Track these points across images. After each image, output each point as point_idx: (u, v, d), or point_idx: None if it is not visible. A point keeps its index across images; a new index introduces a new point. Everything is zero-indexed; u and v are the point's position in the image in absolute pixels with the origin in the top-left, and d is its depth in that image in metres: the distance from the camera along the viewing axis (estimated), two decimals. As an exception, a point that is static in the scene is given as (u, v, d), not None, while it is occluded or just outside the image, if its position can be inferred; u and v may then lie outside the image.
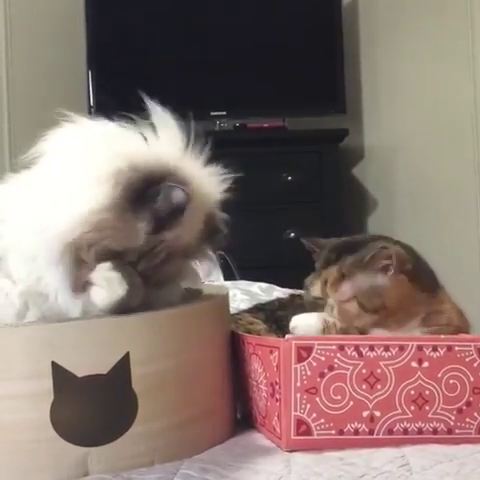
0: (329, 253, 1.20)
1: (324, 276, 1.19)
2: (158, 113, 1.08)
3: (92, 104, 3.28)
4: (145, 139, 1.06)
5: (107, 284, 0.98)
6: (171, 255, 1.03)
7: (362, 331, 1.14)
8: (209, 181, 1.09)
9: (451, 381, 1.04)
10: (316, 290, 1.20)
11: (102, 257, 0.98)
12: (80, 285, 0.99)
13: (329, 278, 1.17)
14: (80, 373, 0.95)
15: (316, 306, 1.19)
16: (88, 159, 1.02)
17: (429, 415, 1.04)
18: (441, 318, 1.17)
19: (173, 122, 1.08)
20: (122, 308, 0.99)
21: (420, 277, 1.17)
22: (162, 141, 1.07)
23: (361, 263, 1.15)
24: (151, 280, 1.03)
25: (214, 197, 1.09)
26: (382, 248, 1.14)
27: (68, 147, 1.05)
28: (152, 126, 1.07)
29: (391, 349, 1.03)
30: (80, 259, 0.98)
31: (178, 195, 1.00)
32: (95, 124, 1.08)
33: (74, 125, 1.07)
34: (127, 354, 0.97)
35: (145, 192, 0.99)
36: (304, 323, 1.15)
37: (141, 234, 1.00)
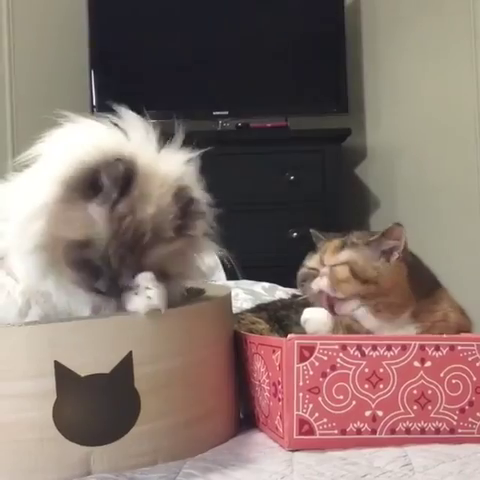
0: (334, 234, 1.24)
1: (324, 247, 1.22)
2: (127, 114, 1.10)
3: (94, 104, 3.28)
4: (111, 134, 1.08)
5: (154, 293, 1.00)
6: (151, 239, 1.02)
7: (368, 331, 1.15)
8: (167, 160, 1.09)
9: (454, 381, 1.04)
10: (313, 260, 1.22)
11: (70, 255, 1.00)
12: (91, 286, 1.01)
13: (328, 247, 1.21)
14: (83, 372, 0.96)
15: (308, 276, 1.21)
16: (49, 160, 1.06)
17: (432, 415, 1.04)
18: (435, 315, 1.18)
19: (141, 121, 1.10)
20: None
21: (416, 275, 1.19)
22: (124, 135, 1.08)
23: (368, 238, 1.18)
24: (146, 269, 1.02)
25: (176, 175, 1.07)
26: (397, 224, 1.15)
27: (52, 148, 1.07)
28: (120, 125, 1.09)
29: (393, 348, 1.03)
30: (53, 258, 1.00)
31: (117, 167, 1.00)
32: (78, 125, 1.10)
33: (67, 127, 1.08)
34: (130, 353, 0.97)
35: (91, 181, 1.00)
36: (316, 318, 1.16)
37: (97, 218, 1.00)
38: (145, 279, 1.01)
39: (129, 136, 1.08)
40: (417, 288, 1.18)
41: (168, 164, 1.08)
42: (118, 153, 1.03)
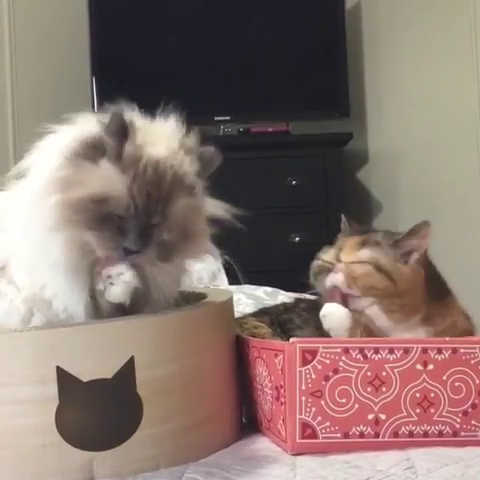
0: (361, 228, 1.25)
1: (340, 243, 1.21)
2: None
3: (96, 110, 3.29)
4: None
5: (129, 277, 0.99)
6: (172, 183, 1.01)
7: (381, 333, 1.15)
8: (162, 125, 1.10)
9: (456, 383, 1.04)
10: (329, 254, 1.21)
11: (90, 213, 0.98)
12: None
13: (346, 244, 1.20)
14: (85, 378, 0.96)
15: (322, 269, 1.20)
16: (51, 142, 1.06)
17: (434, 418, 1.04)
18: (445, 321, 1.18)
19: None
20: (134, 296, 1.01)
21: (430, 278, 1.19)
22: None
23: (393, 238, 1.17)
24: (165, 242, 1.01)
25: (178, 136, 1.08)
26: (425, 222, 1.16)
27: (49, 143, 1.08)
28: None
29: (396, 352, 1.03)
30: (74, 221, 0.98)
31: (114, 121, 1.01)
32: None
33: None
34: (132, 358, 0.97)
35: (94, 143, 1.01)
36: (335, 314, 1.16)
37: (110, 173, 0.99)
38: (117, 269, 1.00)
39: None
40: (430, 292, 1.18)
41: (167, 127, 1.09)
42: (113, 114, 1.03)
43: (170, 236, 1.01)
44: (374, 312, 1.16)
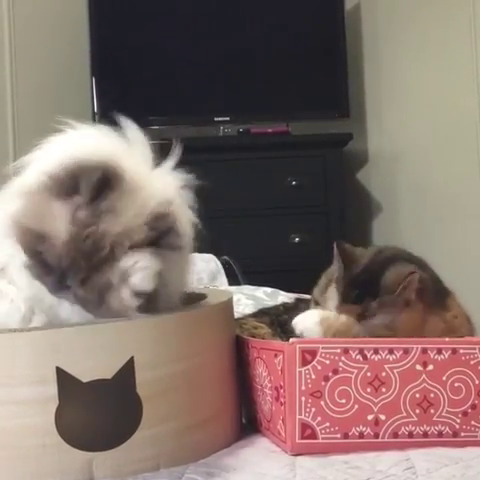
0: (349, 288, 1.16)
1: (343, 312, 1.15)
2: (128, 126, 1.10)
3: (96, 111, 3.29)
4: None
5: (147, 262, 0.98)
6: (108, 254, 0.99)
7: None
8: (155, 179, 1.07)
9: (456, 384, 1.04)
10: (329, 306, 1.17)
11: (28, 244, 1.00)
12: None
13: (343, 315, 1.15)
14: (85, 378, 0.95)
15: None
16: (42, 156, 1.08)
17: (434, 418, 1.04)
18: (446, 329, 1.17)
19: (140, 136, 1.10)
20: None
21: (431, 294, 1.16)
22: (120, 146, 1.08)
23: (388, 301, 1.12)
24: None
25: (161, 195, 1.04)
26: (411, 273, 1.12)
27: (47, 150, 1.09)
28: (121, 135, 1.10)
29: (395, 352, 1.03)
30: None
31: (95, 175, 0.99)
32: (76, 131, 1.11)
33: (64, 133, 1.09)
34: (131, 359, 0.97)
35: (69, 182, 1.00)
36: (305, 323, 1.14)
37: (61, 217, 0.99)
38: (129, 258, 0.99)
39: (124, 149, 1.07)
40: (431, 302, 1.16)
41: (157, 185, 1.05)
42: (105, 162, 1.01)
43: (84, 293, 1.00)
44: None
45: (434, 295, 1.17)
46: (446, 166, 3.24)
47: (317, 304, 1.21)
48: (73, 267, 0.99)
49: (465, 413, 1.04)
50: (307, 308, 1.27)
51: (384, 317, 1.13)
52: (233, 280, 2.47)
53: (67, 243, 0.99)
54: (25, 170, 1.09)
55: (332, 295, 1.18)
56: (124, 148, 1.08)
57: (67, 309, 1.02)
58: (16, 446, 0.96)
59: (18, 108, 3.38)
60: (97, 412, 0.97)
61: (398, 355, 1.03)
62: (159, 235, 1.01)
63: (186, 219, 1.08)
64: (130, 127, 1.10)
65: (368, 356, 1.03)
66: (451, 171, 3.21)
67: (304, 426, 1.02)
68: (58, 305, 1.03)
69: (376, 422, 1.03)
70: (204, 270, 2.40)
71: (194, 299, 1.16)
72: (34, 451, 0.95)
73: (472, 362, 1.05)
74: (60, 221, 0.99)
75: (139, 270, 0.99)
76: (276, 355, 1.05)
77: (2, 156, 3.23)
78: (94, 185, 0.99)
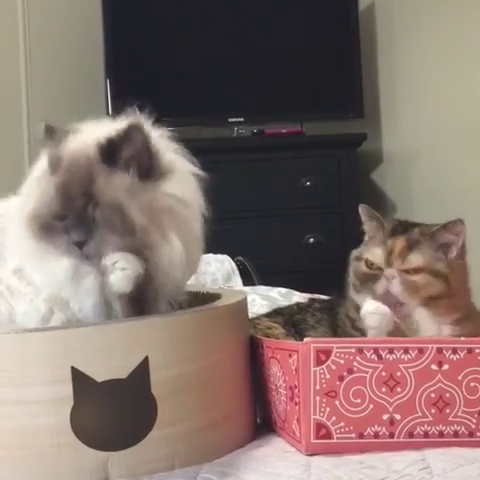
0: (395, 226, 1.20)
1: (390, 245, 1.17)
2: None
3: (110, 112, 3.30)
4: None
5: (125, 263, 0.99)
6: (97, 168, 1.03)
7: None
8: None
9: (472, 384, 1.04)
10: (377, 256, 1.18)
11: (41, 228, 1.03)
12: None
13: (396, 247, 1.17)
14: (100, 378, 0.96)
15: (370, 276, 1.17)
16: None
17: (450, 418, 1.03)
18: (470, 325, 1.16)
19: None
20: (140, 288, 1.00)
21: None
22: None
23: (429, 230, 1.16)
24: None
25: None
26: (460, 220, 1.15)
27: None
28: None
29: (411, 352, 1.03)
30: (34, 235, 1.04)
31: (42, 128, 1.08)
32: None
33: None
34: (146, 358, 0.97)
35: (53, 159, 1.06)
36: (380, 314, 1.13)
37: (44, 185, 1.05)
38: (110, 258, 1.00)
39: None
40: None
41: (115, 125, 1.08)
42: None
43: (105, 212, 1.01)
44: (422, 316, 1.15)
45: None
46: (461, 165, 3.22)
47: (359, 260, 1.20)
48: (72, 191, 1.02)
49: (481, 413, 1.04)
50: (321, 308, 1.27)
51: (431, 249, 1.15)
52: (248, 281, 2.47)
53: (56, 188, 1.03)
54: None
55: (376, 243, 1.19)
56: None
57: (87, 288, 1.03)
58: (31, 446, 0.96)
59: (33, 110, 3.39)
60: (112, 412, 0.97)
61: (413, 355, 1.03)
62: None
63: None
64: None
65: (383, 356, 1.02)
66: (467, 171, 3.19)
67: (319, 426, 1.01)
68: (77, 289, 1.04)
69: (391, 422, 1.02)
70: (219, 270, 2.40)
71: (208, 299, 1.16)
72: (49, 451, 0.96)
73: (488, 362, 1.04)
74: (43, 186, 1.05)
75: (117, 270, 0.99)
76: (290, 355, 1.05)
77: (17, 156, 3.24)
78: (44, 139, 1.08)
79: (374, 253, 1.19)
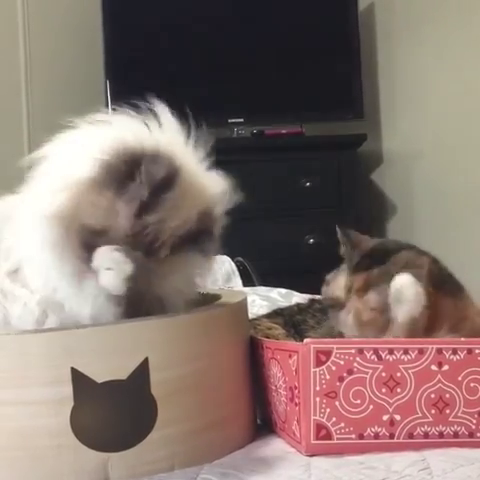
0: (361, 259, 1.16)
1: (351, 281, 1.16)
2: (163, 111, 1.08)
3: (110, 113, 3.30)
4: (147, 127, 1.05)
5: (113, 264, 0.96)
6: (168, 244, 0.99)
7: None
8: (205, 175, 1.05)
9: (472, 384, 1.04)
10: (340, 289, 1.17)
11: (84, 237, 0.96)
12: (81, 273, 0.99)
13: (355, 283, 1.15)
14: (99, 379, 0.96)
15: (332, 304, 1.17)
16: (73, 147, 1.04)
17: (450, 419, 1.03)
18: (467, 324, 1.16)
19: (175, 120, 1.08)
20: (132, 289, 0.97)
21: (445, 284, 1.15)
22: (162, 131, 1.06)
23: (388, 275, 1.11)
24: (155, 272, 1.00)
25: (210, 193, 1.04)
26: (414, 256, 1.12)
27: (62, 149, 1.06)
28: (156, 119, 1.07)
29: (410, 352, 1.03)
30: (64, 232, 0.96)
31: (160, 170, 0.96)
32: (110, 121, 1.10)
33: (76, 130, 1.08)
34: (146, 359, 0.97)
35: (127, 172, 0.96)
36: (413, 288, 1.08)
37: (121, 214, 0.97)
38: (105, 251, 0.97)
39: (168, 136, 1.04)
40: (450, 298, 1.15)
41: (202, 180, 1.04)
42: (164, 151, 0.98)
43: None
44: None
45: (448, 284, 1.16)
46: (462, 166, 3.22)
47: (327, 284, 1.19)
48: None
49: (481, 414, 1.04)
50: (321, 309, 1.27)
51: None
52: (247, 281, 2.47)
53: (127, 238, 0.97)
54: (51, 165, 1.05)
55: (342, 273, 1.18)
56: (174, 140, 1.04)
57: (86, 301, 1.01)
58: (31, 447, 0.96)
59: (32, 108, 3.40)
60: (112, 412, 0.97)
61: (413, 355, 1.03)
62: (198, 235, 1.00)
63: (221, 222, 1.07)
64: (162, 110, 1.07)
65: (383, 356, 1.02)
66: (466, 171, 3.20)
67: (319, 427, 1.01)
68: (75, 298, 1.02)
69: (391, 422, 1.02)
70: (219, 271, 2.40)
71: (208, 300, 1.16)
72: (49, 452, 0.96)
73: (488, 362, 1.04)
74: (120, 218, 0.96)
75: (103, 270, 0.97)
76: (290, 356, 1.05)
77: (17, 156, 3.23)
78: (158, 176, 0.96)
79: (338, 283, 1.18)
